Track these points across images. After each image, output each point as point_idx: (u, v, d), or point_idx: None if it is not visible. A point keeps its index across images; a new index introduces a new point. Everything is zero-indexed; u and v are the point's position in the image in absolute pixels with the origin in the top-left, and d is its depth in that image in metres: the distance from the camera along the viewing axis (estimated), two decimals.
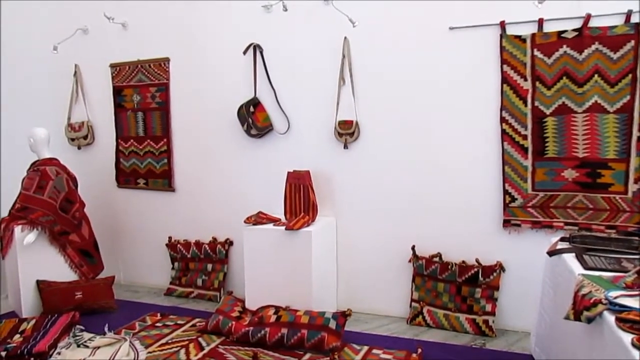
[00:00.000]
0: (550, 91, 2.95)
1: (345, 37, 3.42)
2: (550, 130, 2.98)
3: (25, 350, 2.79)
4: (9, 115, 4.71)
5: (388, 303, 3.52)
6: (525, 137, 3.05)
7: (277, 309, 3.20)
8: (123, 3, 4.08)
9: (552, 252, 2.42)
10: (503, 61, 3.05)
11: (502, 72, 3.06)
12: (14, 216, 3.64)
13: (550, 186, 3.02)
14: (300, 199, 3.51)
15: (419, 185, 3.36)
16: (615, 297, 1.68)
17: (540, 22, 2.94)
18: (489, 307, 3.16)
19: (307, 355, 2.87)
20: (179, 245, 4.13)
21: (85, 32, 4.27)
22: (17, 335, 3.06)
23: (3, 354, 2.74)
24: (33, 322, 3.25)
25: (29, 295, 3.57)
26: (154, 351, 2.98)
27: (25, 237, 3.50)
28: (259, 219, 3.51)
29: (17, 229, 3.51)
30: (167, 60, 4.03)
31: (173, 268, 4.19)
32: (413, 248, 3.39)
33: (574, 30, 2.86)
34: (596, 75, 2.84)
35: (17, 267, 3.53)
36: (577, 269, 2.10)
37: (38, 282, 3.60)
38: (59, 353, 2.90)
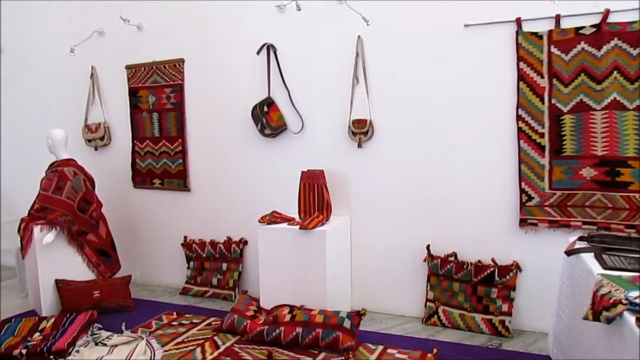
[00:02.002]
0: (568, 88, 2.91)
1: (358, 36, 3.41)
2: (568, 128, 2.93)
3: (45, 348, 2.84)
4: (27, 116, 4.82)
5: (403, 303, 3.50)
6: (542, 135, 3.01)
7: (292, 308, 3.20)
8: (138, 5, 4.12)
9: (570, 252, 2.39)
10: (519, 58, 3.01)
11: (518, 69, 3.02)
12: (33, 216, 3.71)
13: (568, 185, 2.97)
14: (315, 199, 3.52)
15: (433, 184, 3.34)
16: (636, 297, 1.65)
17: (558, 18, 2.89)
18: (505, 307, 3.13)
19: (322, 355, 2.87)
20: (194, 245, 4.16)
21: (101, 34, 4.33)
22: (37, 334, 3.11)
23: (24, 351, 2.79)
24: (52, 320, 3.30)
25: (48, 294, 3.64)
26: (170, 350, 3.01)
27: (44, 237, 3.56)
28: (273, 218, 3.52)
29: (37, 229, 3.57)
30: (181, 61, 4.07)
31: (188, 267, 4.23)
32: (428, 247, 3.37)
33: (592, 26, 2.81)
34: (615, 72, 2.78)
35: (36, 266, 3.59)
36: (596, 268, 2.06)
37: (57, 281, 3.66)
38: (77, 351, 2.94)
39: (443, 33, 3.20)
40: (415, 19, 3.26)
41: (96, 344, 3.06)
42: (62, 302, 3.62)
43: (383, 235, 3.52)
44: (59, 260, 3.67)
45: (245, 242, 4.00)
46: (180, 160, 4.17)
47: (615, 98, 2.80)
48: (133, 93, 4.29)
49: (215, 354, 2.93)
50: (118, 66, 4.30)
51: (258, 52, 3.74)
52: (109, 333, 3.22)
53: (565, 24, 2.89)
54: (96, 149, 4.48)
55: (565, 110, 2.93)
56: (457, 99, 3.22)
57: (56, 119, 4.48)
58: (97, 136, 4.42)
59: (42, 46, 4.62)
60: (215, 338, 3.16)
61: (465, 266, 3.23)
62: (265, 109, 3.71)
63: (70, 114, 4.50)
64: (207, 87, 4.01)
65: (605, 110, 2.83)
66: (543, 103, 2.98)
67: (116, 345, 3.05)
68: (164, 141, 4.22)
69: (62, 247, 3.69)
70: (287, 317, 3.06)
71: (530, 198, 3.08)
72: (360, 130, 3.45)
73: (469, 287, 3.23)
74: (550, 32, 2.91)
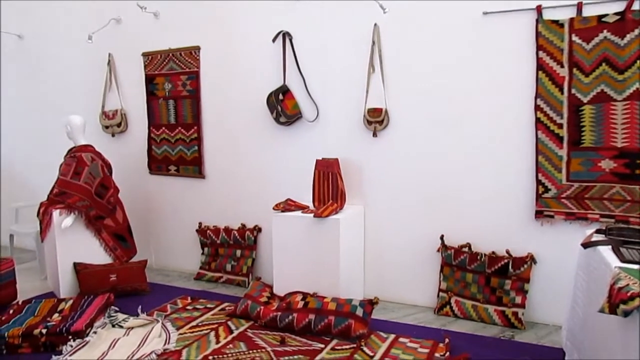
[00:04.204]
0: (589, 78, 2.85)
1: (375, 24, 3.38)
2: (588, 118, 2.88)
3: (64, 328, 2.91)
4: (46, 103, 4.90)
5: (415, 292, 3.51)
6: (560, 126, 2.96)
7: (305, 295, 3.23)
8: None
9: (586, 244, 2.36)
10: (539, 47, 2.96)
11: (538, 58, 2.97)
12: (52, 200, 3.78)
13: (586, 177, 2.93)
14: (329, 187, 3.52)
15: (448, 173, 3.32)
16: None
17: (580, 6, 2.83)
18: (518, 299, 3.11)
19: (334, 342, 2.89)
20: (208, 231, 4.21)
21: (118, 21, 4.35)
22: (56, 314, 3.19)
23: (44, 331, 2.87)
24: (70, 302, 3.38)
25: (67, 276, 3.72)
26: (185, 333, 3.06)
27: (63, 221, 3.63)
28: (287, 206, 3.54)
29: (56, 213, 3.64)
30: (197, 48, 4.08)
31: (203, 253, 4.28)
32: (442, 237, 3.36)
33: (616, 14, 2.74)
34: (639, 62, 2.72)
35: (55, 249, 3.67)
36: (613, 261, 2.03)
37: (75, 264, 3.74)
38: (95, 332, 3.01)
39: (461, 21, 3.16)
40: (432, 7, 3.22)
41: (113, 326, 3.13)
42: (80, 284, 3.70)
43: (397, 224, 3.52)
44: (77, 244, 3.74)
45: (259, 229, 4.03)
46: (196, 147, 4.20)
47: (638, 88, 2.73)
48: (149, 80, 4.32)
49: (229, 338, 2.97)
50: (135, 53, 4.33)
51: (274, 40, 3.72)
52: (126, 315, 3.29)
53: (588, 11, 2.82)
54: (113, 135, 4.53)
55: (585, 100, 2.88)
56: (474, 88, 3.18)
57: (74, 105, 4.55)
58: (114, 123, 4.47)
59: (61, 34, 4.67)
60: (229, 323, 3.20)
61: (479, 257, 3.21)
62: (281, 96, 3.71)
63: (88, 100, 4.56)
64: (223, 74, 4.01)
65: (626, 101, 2.77)
66: (562, 93, 2.93)
67: (132, 328, 3.11)
68: (179, 128, 4.25)
69: (80, 231, 3.76)
70: (300, 304, 3.09)
71: (546, 189, 3.04)
72: (376, 119, 3.43)
73: (483, 278, 3.22)
74: (571, 20, 2.85)
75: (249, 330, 3.09)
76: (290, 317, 3.03)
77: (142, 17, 4.17)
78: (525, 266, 3.10)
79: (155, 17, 4.19)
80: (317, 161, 3.58)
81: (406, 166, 3.44)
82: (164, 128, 4.32)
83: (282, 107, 3.69)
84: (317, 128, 3.70)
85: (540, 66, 2.97)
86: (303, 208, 3.53)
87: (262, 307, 3.20)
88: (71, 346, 2.84)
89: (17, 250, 4.67)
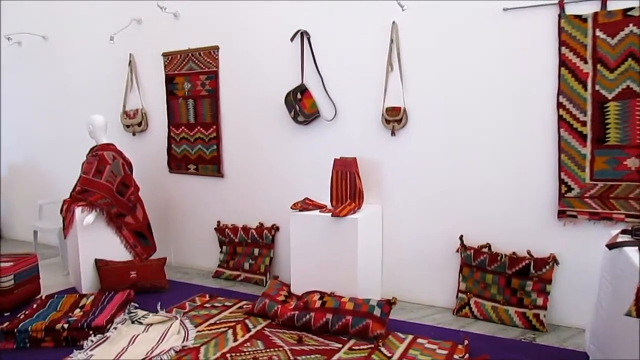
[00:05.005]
0: (614, 74, 2.78)
1: (393, 22, 3.35)
2: (613, 115, 2.80)
3: (85, 323, 2.96)
4: (69, 102, 5.00)
5: (434, 293, 3.46)
6: (584, 124, 2.89)
7: (322, 294, 3.22)
8: None
9: (612, 245, 2.29)
10: (561, 43, 2.89)
11: (560, 54, 2.90)
12: (74, 198, 3.85)
13: (610, 175, 2.85)
14: (347, 186, 3.51)
15: (468, 172, 3.27)
16: None
17: None
18: (540, 301, 3.05)
19: (352, 342, 2.88)
20: (227, 230, 4.23)
21: (139, 22, 4.42)
22: (78, 310, 3.24)
23: (65, 326, 2.92)
24: (92, 298, 3.44)
25: (88, 272, 3.79)
26: (203, 330, 3.08)
27: (85, 218, 3.69)
28: (305, 205, 3.53)
29: (78, 210, 3.71)
30: (216, 48, 4.11)
31: (221, 251, 4.31)
32: (461, 238, 3.31)
33: None
34: None
35: (77, 246, 3.74)
36: None
37: (96, 261, 3.80)
38: (115, 328, 3.06)
39: (481, 18, 3.11)
40: (451, 4, 3.18)
41: (132, 322, 3.17)
42: (101, 280, 3.76)
43: (415, 224, 3.48)
44: (98, 241, 3.81)
45: (277, 228, 4.04)
46: (215, 146, 4.23)
47: None
48: (169, 80, 4.37)
49: (247, 336, 2.98)
50: (155, 53, 4.39)
51: (292, 39, 3.73)
52: (145, 312, 3.33)
53: (612, 5, 2.75)
54: (134, 134, 4.60)
55: (609, 97, 2.80)
56: (494, 86, 3.12)
57: (96, 104, 4.63)
58: (135, 122, 4.54)
59: (84, 34, 4.77)
60: (247, 321, 3.21)
61: (499, 258, 3.16)
62: (299, 96, 3.71)
63: (109, 100, 4.63)
64: (241, 74, 4.03)
65: None
66: (586, 90, 2.86)
67: (151, 324, 3.15)
68: (198, 127, 4.29)
69: (101, 228, 3.83)
70: (318, 303, 3.08)
71: (569, 189, 2.97)
72: (394, 118, 3.41)
73: (503, 279, 3.16)
74: (595, 14, 2.78)
75: (266, 328, 3.09)
76: (308, 317, 3.02)
77: (162, 18, 4.23)
78: (547, 267, 3.03)
79: (175, 17, 4.24)
80: (335, 160, 3.57)
81: (425, 165, 3.40)
82: (183, 127, 4.36)
83: (300, 106, 3.69)
84: (335, 127, 3.69)
85: (563, 62, 2.90)
86: (321, 207, 3.52)
87: (279, 306, 3.21)
88: (92, 341, 2.89)
89: (40, 246, 4.77)
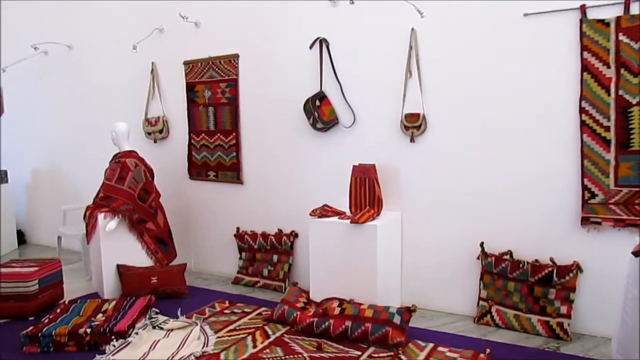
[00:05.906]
0: (638, 79, 2.73)
1: (412, 28, 3.36)
2: (637, 120, 2.75)
3: (107, 328, 3.01)
4: (93, 110, 5.12)
5: (454, 300, 3.43)
6: (607, 129, 2.84)
7: (341, 301, 3.21)
8: (196, 3, 4.26)
9: (638, 253, 2.25)
10: (583, 48, 2.86)
11: (582, 59, 2.87)
12: (97, 204, 3.92)
13: (636, 181, 2.80)
14: (366, 193, 3.50)
15: (488, 179, 3.24)
16: None
17: (627, 3, 2.72)
18: (564, 309, 2.99)
19: (371, 349, 2.86)
20: (246, 236, 4.26)
21: (161, 31, 4.50)
22: (100, 315, 3.29)
23: (88, 330, 2.97)
24: (114, 303, 3.48)
25: (110, 278, 3.84)
26: (223, 336, 3.09)
27: (107, 224, 3.75)
28: (324, 211, 3.54)
29: (101, 216, 3.78)
30: (236, 56, 4.16)
31: (240, 258, 4.33)
32: (482, 245, 3.28)
33: None
34: None
35: (100, 251, 3.80)
36: None
37: (118, 267, 3.86)
38: (136, 333, 3.09)
39: (501, 23, 3.09)
40: (471, 10, 3.17)
41: (154, 327, 3.21)
42: (122, 286, 3.81)
43: (435, 231, 3.45)
44: (120, 247, 3.86)
45: (296, 235, 4.05)
46: (234, 153, 4.27)
47: None
48: (190, 88, 4.43)
49: (266, 342, 2.99)
50: (176, 62, 4.46)
51: (311, 47, 3.76)
52: (166, 318, 3.37)
53: (636, 9, 2.71)
54: (155, 141, 4.67)
55: (634, 102, 2.76)
56: (514, 92, 3.10)
57: (119, 112, 4.73)
58: (157, 129, 4.61)
59: (107, 43, 4.88)
60: (266, 327, 3.22)
61: (521, 265, 3.11)
62: (317, 103, 3.73)
63: (132, 107, 4.72)
64: (261, 81, 4.08)
65: None
66: (609, 95, 2.82)
67: (172, 330, 3.18)
68: (218, 134, 4.33)
69: (123, 234, 3.88)
70: (337, 310, 3.07)
71: (593, 195, 2.92)
72: (413, 124, 3.40)
73: (525, 287, 3.11)
74: (618, 18, 2.75)
75: (285, 335, 3.09)
76: (327, 323, 3.02)
77: (184, 27, 4.30)
78: (571, 275, 2.98)
79: (196, 26, 4.31)
80: (354, 167, 3.57)
81: (444, 172, 3.38)
82: (203, 134, 4.42)
83: (319, 113, 3.70)
84: (354, 134, 3.69)
85: (585, 67, 2.87)
86: (340, 214, 3.52)
87: (298, 313, 3.21)
88: (114, 346, 2.93)
89: (64, 252, 4.85)
